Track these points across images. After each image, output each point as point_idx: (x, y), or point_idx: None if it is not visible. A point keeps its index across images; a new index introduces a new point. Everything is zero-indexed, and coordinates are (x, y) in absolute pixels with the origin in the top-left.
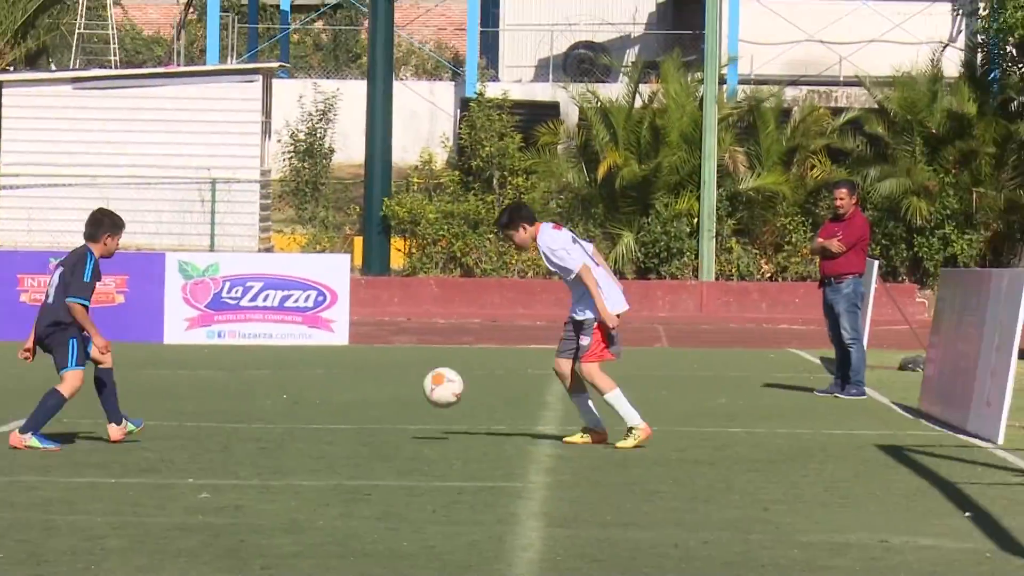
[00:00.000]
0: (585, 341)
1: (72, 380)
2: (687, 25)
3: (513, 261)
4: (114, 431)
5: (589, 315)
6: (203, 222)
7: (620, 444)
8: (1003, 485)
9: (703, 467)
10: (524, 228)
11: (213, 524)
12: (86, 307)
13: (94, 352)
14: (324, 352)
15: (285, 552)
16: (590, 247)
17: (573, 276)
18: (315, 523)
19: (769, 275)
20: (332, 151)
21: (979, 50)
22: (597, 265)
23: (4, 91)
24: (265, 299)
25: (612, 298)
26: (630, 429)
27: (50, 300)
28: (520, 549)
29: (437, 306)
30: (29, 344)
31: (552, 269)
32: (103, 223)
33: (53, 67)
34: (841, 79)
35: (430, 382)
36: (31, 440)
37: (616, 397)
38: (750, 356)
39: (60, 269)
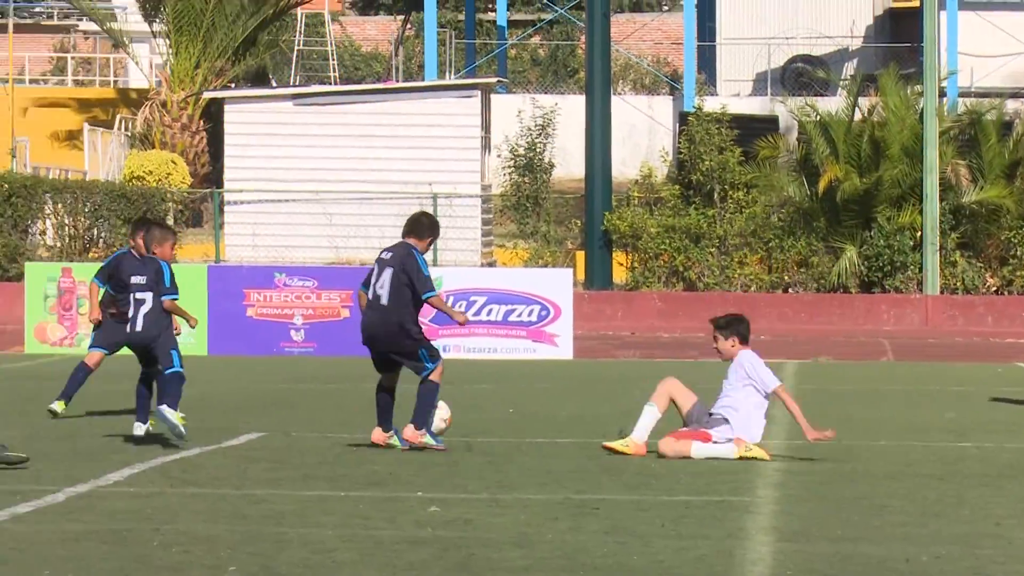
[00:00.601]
0: (713, 443)
1: (440, 369)
2: (905, 38)
3: (736, 275)
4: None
5: (729, 435)
6: None
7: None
8: None
9: (933, 481)
10: (735, 342)
11: (442, 537)
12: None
13: None
14: (548, 366)
15: (515, 566)
16: None
17: (770, 391)
18: (544, 537)
19: (995, 289)
20: (552, 165)
21: None
22: None
23: (226, 108)
24: (489, 313)
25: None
26: None
27: (384, 301)
28: (750, 563)
29: (661, 320)
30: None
31: (745, 379)
32: (422, 223)
33: (274, 84)
34: None
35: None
36: (426, 438)
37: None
38: (977, 370)
39: (390, 268)
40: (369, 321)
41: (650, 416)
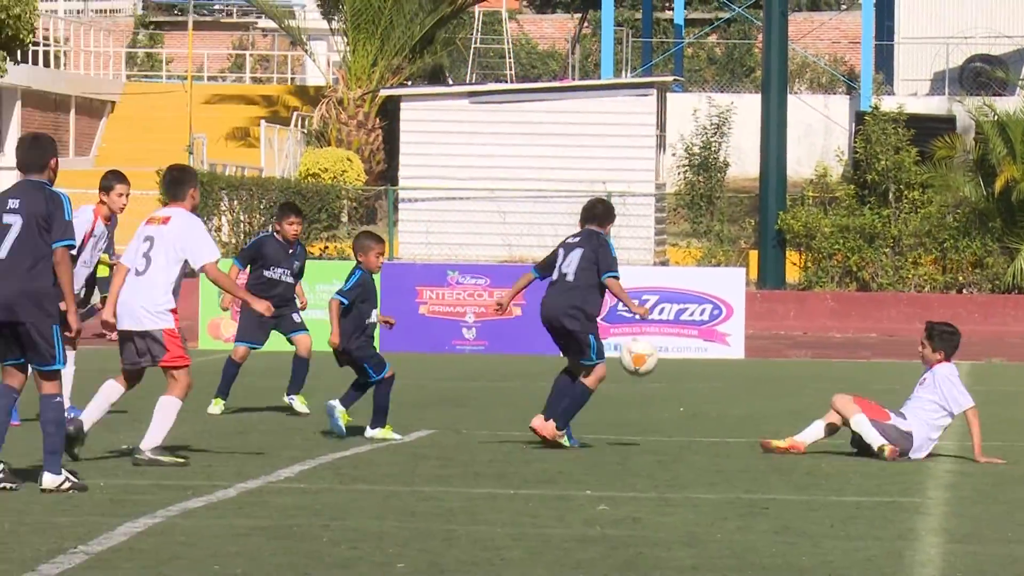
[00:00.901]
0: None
1: (599, 371)
2: None
3: (910, 276)
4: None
5: (904, 427)
6: None
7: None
8: None
9: None
10: (941, 356)
11: (611, 536)
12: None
13: None
14: (720, 365)
15: (683, 565)
16: None
17: (960, 411)
18: (713, 536)
19: None
20: (727, 164)
21: None
22: None
23: (403, 106)
24: (661, 312)
25: None
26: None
27: (570, 278)
28: (919, 565)
29: (833, 320)
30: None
31: (933, 391)
32: (598, 209)
33: (451, 82)
34: None
35: (632, 363)
36: (564, 440)
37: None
38: None
39: (580, 249)
40: (551, 299)
41: (816, 428)
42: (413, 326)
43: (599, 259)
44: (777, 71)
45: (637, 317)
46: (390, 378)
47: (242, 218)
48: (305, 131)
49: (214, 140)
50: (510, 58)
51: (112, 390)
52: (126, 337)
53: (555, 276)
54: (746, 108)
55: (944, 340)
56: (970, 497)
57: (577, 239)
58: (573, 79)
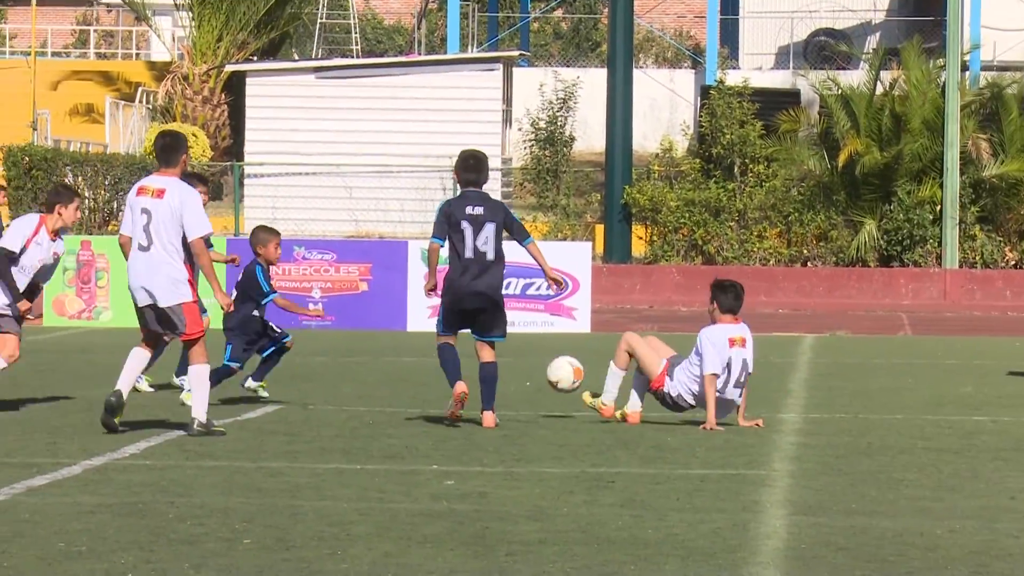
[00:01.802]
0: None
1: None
2: (928, 12)
3: (755, 249)
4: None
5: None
6: None
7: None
8: None
9: (948, 456)
10: (713, 308)
11: (458, 511)
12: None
13: None
14: (566, 339)
15: (530, 539)
16: None
17: (704, 374)
18: (559, 510)
19: (1014, 263)
20: (573, 139)
21: None
22: None
23: (248, 81)
24: (507, 287)
25: None
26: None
27: (490, 257)
28: (764, 537)
29: (679, 294)
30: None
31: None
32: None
33: (296, 57)
34: None
35: (572, 376)
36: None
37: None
38: (995, 344)
39: (492, 223)
40: (477, 280)
41: (615, 377)
42: None
43: (513, 229)
44: (622, 45)
45: (551, 287)
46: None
47: (87, 194)
48: (150, 107)
49: (59, 116)
50: (356, 33)
51: (139, 356)
52: (144, 310)
53: (470, 254)
54: (592, 83)
55: (713, 291)
56: (814, 469)
57: (480, 209)
58: (419, 54)
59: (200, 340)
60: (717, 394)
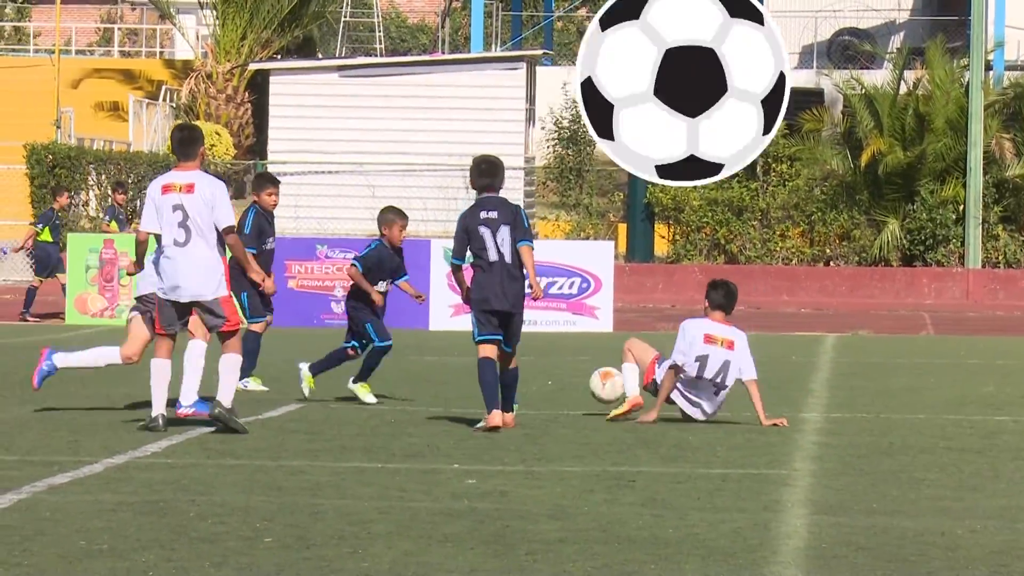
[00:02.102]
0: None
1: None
2: (952, 11)
3: (778, 248)
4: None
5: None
6: None
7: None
8: None
9: (970, 455)
10: (705, 307)
11: (479, 509)
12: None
13: None
14: (588, 339)
15: (550, 538)
16: None
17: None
18: (580, 509)
19: None
20: None
21: None
22: None
23: (272, 79)
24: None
25: None
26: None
27: (508, 260)
28: (785, 536)
29: (701, 293)
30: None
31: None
32: (501, 168)
33: (320, 56)
34: None
35: (598, 379)
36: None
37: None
38: (1018, 344)
39: (506, 226)
40: (501, 285)
41: (631, 372)
42: (282, 300)
43: (516, 227)
44: None
45: (532, 295)
46: (386, 348)
47: (110, 193)
48: (174, 105)
49: (82, 114)
50: (380, 32)
51: (163, 368)
52: (176, 306)
53: (494, 256)
54: None
55: (708, 290)
56: (836, 469)
57: (495, 213)
58: (443, 53)
59: (237, 331)
60: (688, 393)
